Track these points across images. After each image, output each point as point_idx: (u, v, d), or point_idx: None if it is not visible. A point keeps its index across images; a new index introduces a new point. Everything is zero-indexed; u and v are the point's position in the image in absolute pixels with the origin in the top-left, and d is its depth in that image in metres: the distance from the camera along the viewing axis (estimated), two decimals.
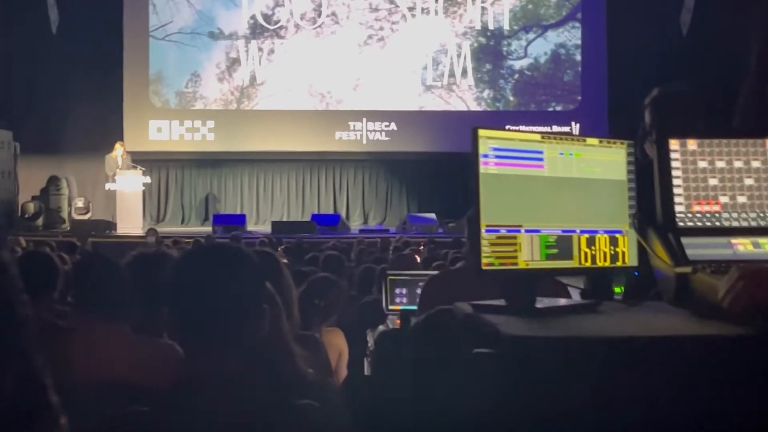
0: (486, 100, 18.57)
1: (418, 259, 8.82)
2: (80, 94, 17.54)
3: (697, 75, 14.86)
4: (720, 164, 2.14)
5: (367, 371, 4.82)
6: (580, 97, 18.47)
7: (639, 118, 3.71)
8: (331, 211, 18.32)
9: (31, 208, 16.71)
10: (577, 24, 18.55)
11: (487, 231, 1.96)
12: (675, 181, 2.12)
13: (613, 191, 2.21)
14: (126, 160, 16.26)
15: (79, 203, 17.28)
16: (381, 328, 5.00)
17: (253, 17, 18.38)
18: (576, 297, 2.75)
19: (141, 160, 16.76)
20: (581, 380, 1.66)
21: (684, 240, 2.04)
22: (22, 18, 16.80)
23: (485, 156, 1.97)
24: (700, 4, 17.11)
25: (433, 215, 16.61)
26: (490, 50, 18.59)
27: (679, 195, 2.12)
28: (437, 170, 18.08)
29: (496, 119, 17.61)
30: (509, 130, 2.10)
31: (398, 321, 4.81)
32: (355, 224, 18.14)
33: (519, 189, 2.03)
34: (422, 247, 11.26)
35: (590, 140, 2.19)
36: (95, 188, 17.76)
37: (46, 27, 17.48)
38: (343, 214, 18.14)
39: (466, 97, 18.48)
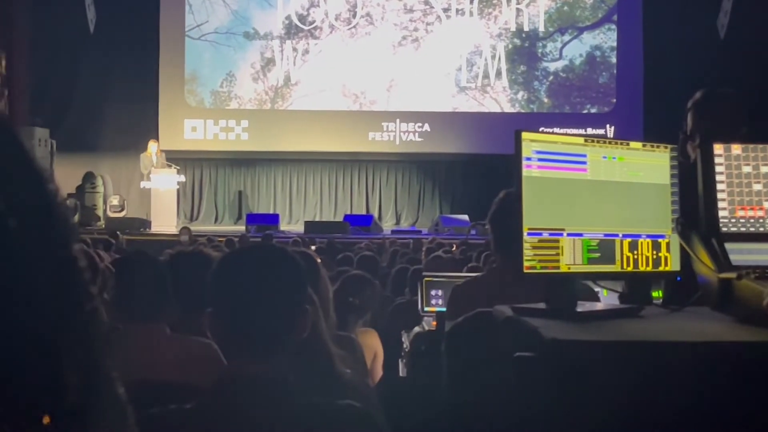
0: (520, 101, 18.52)
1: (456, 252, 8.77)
2: (116, 93, 17.70)
3: (733, 79, 14.74)
4: (765, 169, 2.12)
5: (402, 372, 4.82)
6: (615, 100, 18.37)
7: (675, 121, 3.69)
8: (363, 212, 18.34)
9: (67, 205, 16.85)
10: (613, 26, 18.45)
11: (529, 234, 1.95)
12: (719, 186, 2.11)
13: (656, 195, 2.20)
14: (161, 158, 16.39)
15: (114, 201, 17.42)
16: (416, 329, 5.00)
17: (288, 17, 18.45)
18: (614, 301, 2.74)
19: (175, 158, 16.90)
20: (623, 385, 1.65)
21: (727, 245, 2.03)
22: (60, 17, 16.98)
23: (528, 159, 1.97)
24: (738, 7, 16.94)
25: (465, 217, 16.58)
26: (524, 52, 18.53)
27: (723, 200, 2.10)
28: (470, 172, 18.07)
29: (530, 121, 17.56)
30: (543, 132, 2.09)
31: (434, 323, 4.80)
32: (388, 225, 18.15)
33: (561, 192, 2.02)
34: (455, 249, 11.24)
35: (633, 144, 2.17)
36: (130, 186, 17.93)
37: (84, 26, 17.65)
38: (376, 215, 18.16)
39: (500, 98, 18.44)
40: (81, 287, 0.76)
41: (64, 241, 0.76)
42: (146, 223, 16.09)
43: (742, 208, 2.11)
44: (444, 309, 5.00)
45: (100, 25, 17.91)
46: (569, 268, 2.02)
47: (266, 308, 1.90)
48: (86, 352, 0.74)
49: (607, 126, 18.00)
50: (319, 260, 3.87)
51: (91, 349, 0.75)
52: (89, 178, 17.17)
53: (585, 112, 18.55)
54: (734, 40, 16.83)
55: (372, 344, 4.51)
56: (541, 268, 1.98)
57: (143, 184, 16.35)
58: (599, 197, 2.09)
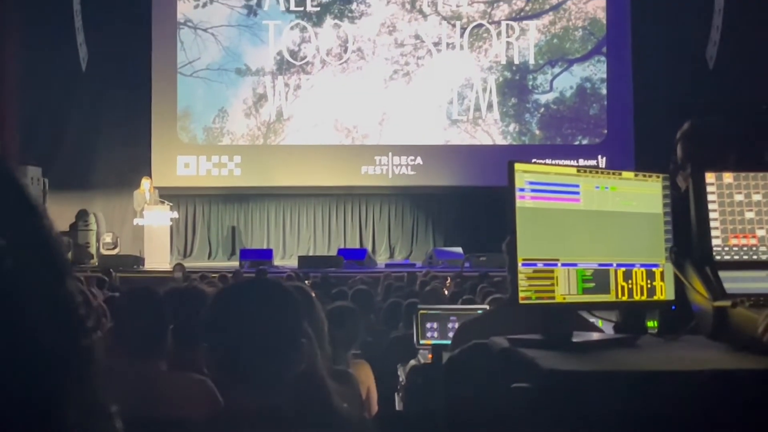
0: (512, 134, 18.59)
1: (446, 293, 8.80)
2: (109, 131, 17.74)
3: (724, 108, 14.83)
4: (756, 197, 2.14)
5: (398, 406, 4.81)
6: (606, 131, 18.45)
7: (666, 151, 3.70)
8: (357, 246, 18.34)
9: None
10: (603, 58, 18.57)
11: (524, 265, 1.96)
12: (711, 215, 2.12)
13: (649, 225, 2.21)
14: (154, 195, 16.39)
15: (107, 238, 17.40)
16: (412, 362, 4.99)
17: (279, 53, 18.55)
18: (608, 331, 2.74)
19: (169, 195, 16.89)
20: (620, 414, 1.65)
21: (721, 273, 2.03)
22: (52, 56, 17.05)
23: (521, 190, 1.98)
24: (726, 38, 17.09)
25: (459, 249, 16.58)
26: (515, 84, 18.64)
27: (716, 228, 2.12)
28: (463, 204, 18.09)
29: (522, 153, 17.63)
30: (536, 164, 2.10)
31: (430, 356, 4.79)
32: (381, 258, 18.13)
33: (555, 222, 2.03)
34: (449, 282, 11.25)
35: (626, 174, 2.19)
36: (123, 223, 17.91)
37: (76, 64, 17.71)
38: (369, 249, 18.15)
39: (491, 131, 18.52)
40: (77, 323, 0.76)
41: (61, 277, 0.76)
42: (139, 260, 16.05)
43: (735, 236, 2.12)
44: (440, 342, 5.00)
45: (92, 63, 17.97)
46: (564, 298, 2.03)
47: (262, 343, 1.89)
48: (84, 388, 0.74)
49: (599, 157, 18.07)
50: (313, 294, 3.86)
51: (89, 385, 0.75)
52: (82, 215, 17.15)
53: (576, 143, 18.62)
54: (723, 70, 16.96)
55: (364, 378, 4.49)
56: (537, 298, 1.98)
57: (136, 221, 16.34)
58: (593, 227, 2.10)
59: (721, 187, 2.14)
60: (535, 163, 2.09)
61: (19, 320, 0.71)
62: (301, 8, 18.60)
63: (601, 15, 18.63)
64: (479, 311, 5.19)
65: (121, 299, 3.59)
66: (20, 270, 0.72)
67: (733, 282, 2.01)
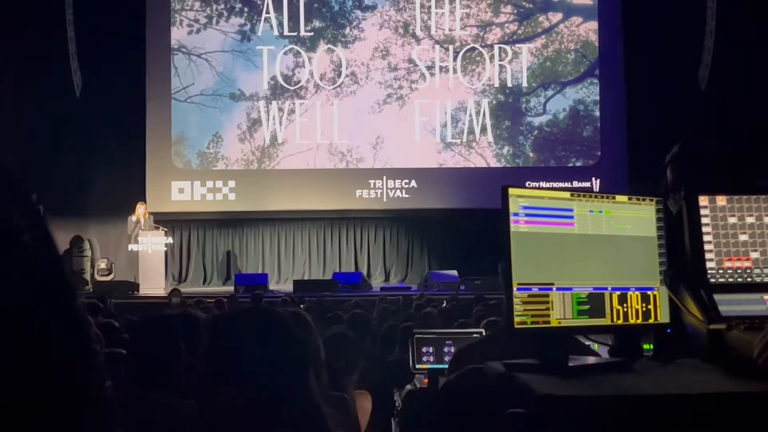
0: (506, 156, 18.64)
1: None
2: (103, 156, 17.71)
3: (716, 129, 14.90)
4: (750, 220, 2.14)
5: (394, 431, 4.78)
6: (599, 153, 18.51)
7: (659, 173, 3.72)
8: (352, 269, 18.33)
9: None
10: (595, 80, 18.66)
11: (518, 289, 1.96)
12: (705, 238, 2.13)
13: (643, 248, 2.21)
14: (148, 220, 16.38)
15: (102, 264, 17.37)
16: (408, 387, 4.97)
17: (273, 78, 18.60)
18: (604, 355, 2.74)
19: (163, 220, 16.89)
20: None
21: (716, 296, 2.04)
22: (46, 82, 17.06)
23: (515, 214, 1.98)
24: (718, 60, 17.19)
25: (455, 272, 16.57)
26: (509, 107, 18.70)
27: (710, 251, 2.12)
28: (458, 227, 18.10)
29: (516, 175, 17.67)
30: (530, 186, 2.11)
31: (426, 380, 4.77)
32: (377, 282, 18.13)
33: (550, 247, 2.03)
34: (444, 304, 11.23)
35: (619, 197, 2.19)
36: (118, 249, 17.87)
37: (70, 91, 17.74)
38: (365, 272, 18.15)
39: (485, 153, 18.56)
40: (88, 344, 0.77)
41: (72, 294, 0.77)
42: (134, 286, 16.02)
43: (729, 259, 2.12)
44: (436, 366, 4.99)
45: (85, 89, 18.00)
46: (560, 323, 2.03)
47: (259, 370, 1.89)
48: (95, 411, 0.74)
49: (593, 179, 18.11)
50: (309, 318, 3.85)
51: (99, 408, 0.75)
52: (77, 242, 17.12)
53: (570, 165, 18.66)
54: (715, 92, 17.05)
55: (366, 407, 4.46)
56: (532, 323, 1.98)
57: (131, 246, 16.31)
58: (587, 251, 2.10)
59: (714, 210, 2.15)
60: (528, 187, 2.10)
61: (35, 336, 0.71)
62: (295, 33, 18.67)
63: (593, 38, 18.73)
64: (475, 335, 5.19)
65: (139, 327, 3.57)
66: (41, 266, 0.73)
67: (728, 305, 2.02)
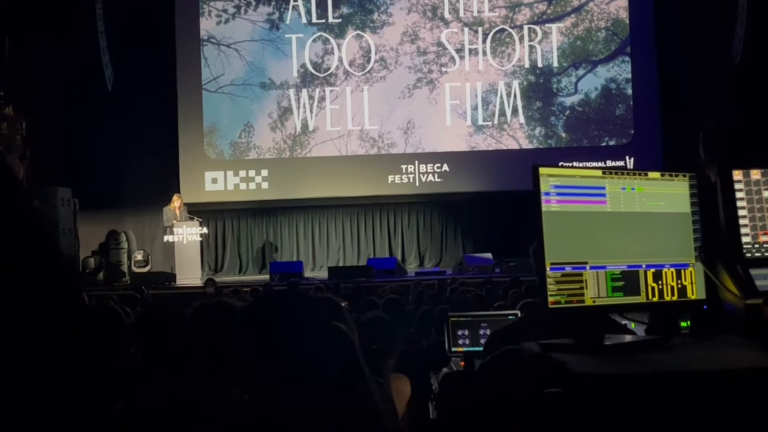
0: (538, 137, 18.53)
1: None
2: (136, 149, 17.83)
3: (750, 103, 14.70)
4: None
5: (432, 414, 4.79)
6: (633, 131, 18.35)
7: (694, 149, 3.67)
8: (386, 255, 18.33)
9: (92, 263, 16.99)
10: (627, 58, 18.48)
11: (552, 269, 1.95)
12: (740, 212, 2.10)
13: (677, 224, 2.19)
14: (183, 211, 16.48)
15: (139, 256, 17.51)
16: (445, 370, 4.97)
17: (303, 66, 18.60)
18: (641, 333, 2.72)
19: (198, 211, 16.98)
20: (654, 417, 1.63)
21: (752, 271, 2.02)
22: (79, 77, 17.19)
23: (547, 194, 1.97)
24: (751, 33, 16.94)
25: (489, 255, 16.51)
26: (539, 88, 18.59)
27: (745, 225, 2.10)
28: (491, 209, 18.05)
29: (548, 156, 17.58)
30: (563, 166, 2.08)
31: (462, 363, 4.77)
32: (411, 267, 18.12)
33: (582, 225, 2.01)
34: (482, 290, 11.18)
35: (652, 174, 2.17)
36: (154, 241, 18.02)
37: (102, 85, 17.85)
38: (399, 257, 18.14)
39: (517, 135, 18.47)
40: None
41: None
42: (171, 277, 16.13)
43: (765, 233, 2.09)
44: (472, 349, 4.98)
45: (117, 82, 18.11)
46: (594, 301, 2.01)
47: (292, 354, 1.89)
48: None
49: (627, 157, 17.97)
50: (344, 304, 3.85)
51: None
52: (113, 235, 17.29)
53: (603, 144, 18.52)
54: (749, 65, 16.80)
55: (406, 391, 4.45)
56: (566, 302, 1.97)
57: (167, 238, 16.41)
58: (620, 229, 2.08)
59: (749, 184, 2.12)
60: (561, 166, 2.08)
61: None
62: (323, 20, 18.66)
63: (624, 15, 18.55)
64: (510, 317, 5.18)
65: (142, 319, 3.59)
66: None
67: (765, 279, 2.00)
